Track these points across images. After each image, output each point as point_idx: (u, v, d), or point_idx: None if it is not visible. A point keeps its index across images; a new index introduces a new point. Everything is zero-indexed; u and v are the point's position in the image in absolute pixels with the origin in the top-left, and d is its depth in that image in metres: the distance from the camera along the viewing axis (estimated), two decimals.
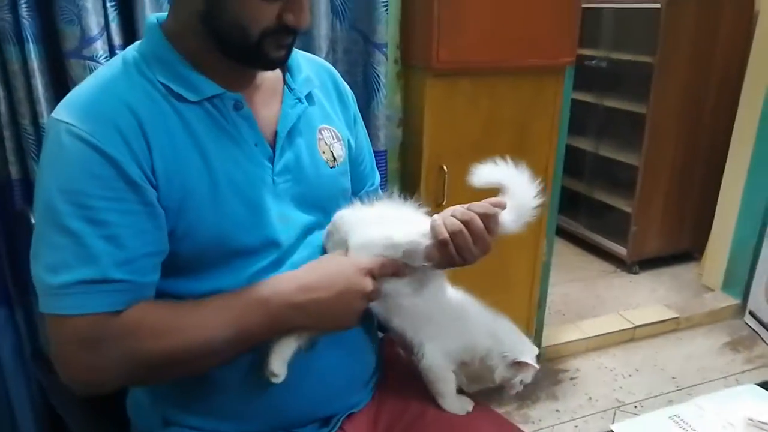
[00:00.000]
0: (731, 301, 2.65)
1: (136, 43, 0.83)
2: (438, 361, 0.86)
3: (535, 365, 0.86)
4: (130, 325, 0.72)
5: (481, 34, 1.48)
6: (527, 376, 0.87)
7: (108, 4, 1.19)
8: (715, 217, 2.76)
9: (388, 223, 0.83)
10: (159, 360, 0.73)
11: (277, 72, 0.89)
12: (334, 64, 1.47)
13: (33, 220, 0.78)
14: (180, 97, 0.77)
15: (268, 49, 0.76)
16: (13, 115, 1.19)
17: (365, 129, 1.04)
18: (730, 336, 2.48)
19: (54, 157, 0.72)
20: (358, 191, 0.99)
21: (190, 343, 0.73)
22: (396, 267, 0.81)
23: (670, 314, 2.53)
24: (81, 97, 0.75)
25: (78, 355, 0.71)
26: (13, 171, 1.22)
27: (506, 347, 0.86)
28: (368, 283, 0.79)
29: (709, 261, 2.83)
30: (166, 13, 0.84)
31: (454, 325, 0.87)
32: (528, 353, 0.87)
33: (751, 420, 0.83)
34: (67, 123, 0.71)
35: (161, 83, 0.77)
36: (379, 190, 1.07)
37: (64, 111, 0.73)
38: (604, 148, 3.06)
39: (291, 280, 0.78)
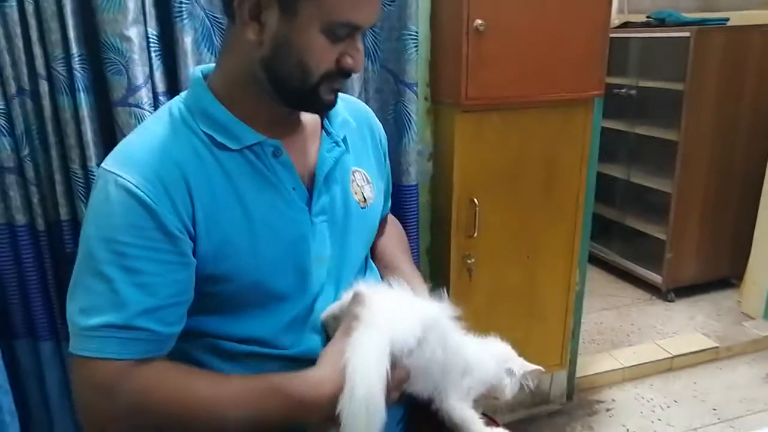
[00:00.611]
0: None
1: (181, 94, 0.88)
2: (457, 407, 0.86)
3: (540, 368, 0.91)
4: (146, 383, 0.74)
5: (508, 70, 1.51)
6: (534, 380, 0.92)
7: (152, 55, 1.25)
8: (753, 242, 2.70)
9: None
10: (169, 424, 0.74)
11: (316, 118, 0.93)
12: (366, 103, 1.52)
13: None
14: (222, 146, 0.81)
15: (323, 92, 0.81)
16: (64, 160, 1.26)
17: (389, 163, 1.09)
18: None
19: (99, 206, 0.76)
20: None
21: (202, 416, 0.74)
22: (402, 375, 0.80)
23: (709, 343, 2.47)
24: (129, 150, 0.80)
25: (93, 399, 0.74)
26: (63, 212, 1.28)
27: (509, 363, 0.90)
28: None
29: (748, 288, 2.76)
30: (210, 65, 0.89)
31: (461, 366, 0.87)
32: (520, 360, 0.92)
33: None
34: (115, 174, 0.76)
35: (205, 133, 0.81)
36: (388, 214, 1.14)
37: (113, 162, 0.78)
38: (635, 174, 3.04)
39: (310, 379, 0.75)
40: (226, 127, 0.82)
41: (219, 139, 0.81)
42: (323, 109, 0.87)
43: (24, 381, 1.37)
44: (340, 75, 0.80)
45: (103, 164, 0.79)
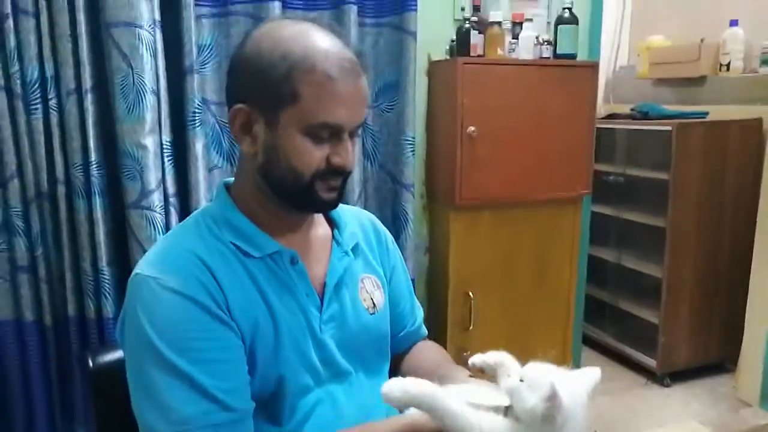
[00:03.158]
0: None
1: (206, 205, 0.94)
2: None
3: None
4: None
5: (499, 172, 1.60)
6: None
7: (165, 160, 1.34)
8: (745, 328, 2.73)
9: None
10: None
11: (327, 229, 0.99)
12: (365, 201, 1.60)
13: (128, 370, 0.81)
14: (246, 254, 0.87)
15: (320, 190, 0.85)
16: (75, 259, 1.31)
17: (407, 273, 1.09)
18: None
19: (151, 309, 0.78)
20: (396, 333, 1.06)
21: None
22: None
23: None
24: (163, 256, 0.84)
25: None
26: (70, 309, 1.32)
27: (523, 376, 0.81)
28: None
29: (743, 374, 2.76)
30: (232, 179, 0.96)
31: None
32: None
33: None
34: (155, 278, 0.79)
35: (231, 242, 0.87)
36: (422, 328, 1.13)
37: (150, 268, 0.81)
38: (626, 258, 3.10)
39: None
40: (249, 237, 0.88)
41: (244, 247, 0.87)
42: (324, 207, 0.91)
43: None
44: (332, 173, 0.84)
45: (138, 271, 0.82)
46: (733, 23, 2.97)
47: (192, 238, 0.86)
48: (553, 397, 0.69)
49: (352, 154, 0.85)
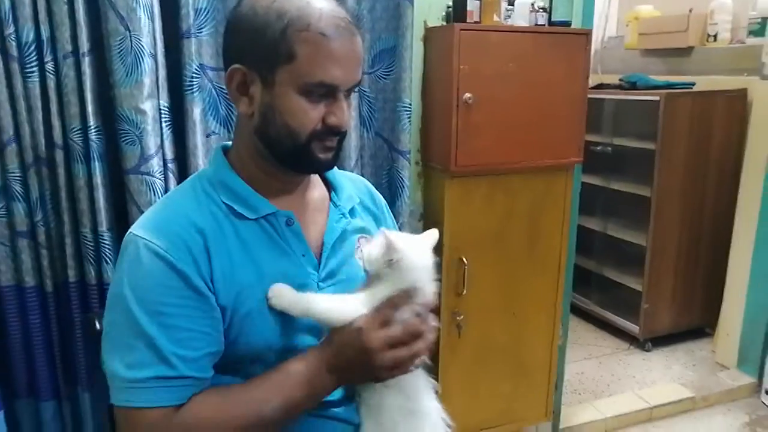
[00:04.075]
0: (747, 379, 2.67)
1: (203, 168, 0.96)
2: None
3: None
4: (192, 416, 0.81)
5: (494, 139, 1.62)
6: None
7: (164, 125, 1.33)
8: (725, 293, 2.82)
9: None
10: None
11: (324, 192, 1.01)
12: (362, 168, 1.61)
13: (103, 320, 0.86)
14: (240, 216, 0.89)
15: (316, 150, 0.87)
16: (75, 224, 1.31)
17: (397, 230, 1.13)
18: (748, 416, 2.49)
19: (133, 269, 0.82)
20: None
21: (244, 421, 0.82)
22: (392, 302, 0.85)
23: (686, 393, 2.55)
24: (157, 218, 0.87)
25: None
26: (71, 274, 1.33)
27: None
28: (376, 339, 0.83)
29: (721, 338, 2.87)
30: (230, 143, 0.97)
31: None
32: None
33: None
34: (145, 239, 0.82)
35: (225, 204, 0.89)
36: None
37: (142, 229, 0.85)
38: (612, 228, 3.17)
39: (319, 360, 0.85)
40: (244, 199, 0.90)
41: (238, 209, 0.89)
42: (321, 167, 0.93)
43: None
44: (328, 133, 0.87)
45: (132, 231, 0.85)
46: None
47: (187, 202, 0.89)
48: (385, 242, 0.81)
49: (347, 114, 0.87)
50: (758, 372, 2.64)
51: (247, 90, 0.86)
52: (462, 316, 1.75)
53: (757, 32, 2.91)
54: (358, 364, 0.83)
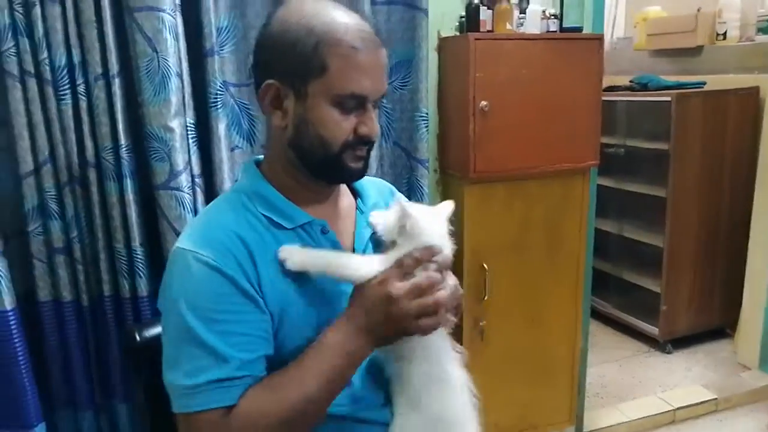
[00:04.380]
0: None
1: (237, 182, 0.99)
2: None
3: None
4: (245, 411, 0.83)
5: (511, 145, 1.65)
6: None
7: (190, 142, 1.37)
8: (744, 293, 2.81)
9: None
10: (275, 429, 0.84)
11: (351, 199, 1.05)
12: (382, 178, 1.64)
13: (162, 338, 0.88)
14: (279, 226, 0.92)
15: (348, 160, 0.90)
16: (108, 240, 1.36)
17: None
18: None
19: (184, 281, 0.85)
20: None
21: (294, 404, 0.83)
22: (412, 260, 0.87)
23: (708, 395, 2.54)
24: (200, 231, 0.90)
25: None
26: (106, 288, 1.37)
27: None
28: (399, 287, 0.84)
29: (742, 338, 2.85)
30: (261, 156, 1.01)
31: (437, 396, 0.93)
32: None
33: None
34: (193, 251, 0.85)
35: (263, 215, 0.92)
36: None
37: (188, 242, 0.87)
38: (627, 229, 3.17)
39: (349, 324, 0.87)
40: (281, 209, 0.93)
41: (276, 219, 0.92)
42: (353, 176, 0.96)
43: None
44: (359, 143, 0.90)
45: (178, 245, 0.88)
46: None
47: (228, 214, 0.92)
48: (399, 209, 0.86)
49: (376, 124, 0.91)
50: None
51: (280, 104, 0.89)
52: (484, 322, 1.77)
53: (766, 30, 2.92)
54: (385, 316, 0.84)
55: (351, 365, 0.87)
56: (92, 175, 1.32)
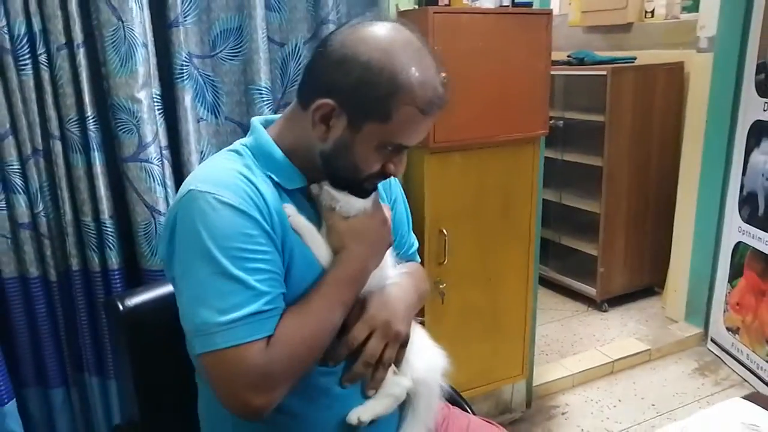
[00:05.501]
0: (694, 330, 2.91)
1: (242, 139, 0.99)
2: None
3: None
4: (283, 339, 0.86)
5: (470, 116, 1.72)
6: None
7: (157, 113, 1.36)
8: (672, 254, 3.05)
9: None
10: (311, 355, 0.89)
11: None
12: None
13: (179, 280, 0.89)
14: (280, 186, 0.94)
15: (366, 185, 0.96)
16: (75, 214, 1.33)
17: (406, 204, 1.22)
18: (697, 362, 2.73)
19: (208, 220, 0.85)
20: (398, 252, 1.17)
21: (323, 329, 0.91)
22: None
23: (642, 346, 2.76)
24: (215, 175, 0.90)
25: (253, 377, 0.83)
26: (74, 263, 1.35)
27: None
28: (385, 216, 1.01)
29: (670, 294, 3.10)
30: (267, 117, 1.03)
31: None
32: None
33: (744, 423, 1.03)
34: (213, 193, 0.85)
35: (267, 174, 0.93)
36: (416, 256, 1.26)
37: (205, 184, 0.87)
38: (567, 197, 3.35)
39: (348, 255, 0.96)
40: (284, 170, 0.95)
41: (276, 179, 0.94)
42: (364, 195, 1.00)
43: (34, 429, 1.40)
44: (383, 177, 0.96)
45: (192, 187, 0.87)
46: None
47: (238, 164, 0.93)
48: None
49: (405, 163, 0.98)
50: (704, 323, 2.89)
51: (328, 120, 0.90)
52: (444, 285, 1.85)
53: (689, 8, 3.13)
54: (370, 229, 0.97)
55: (361, 286, 0.96)
56: (57, 147, 1.29)
